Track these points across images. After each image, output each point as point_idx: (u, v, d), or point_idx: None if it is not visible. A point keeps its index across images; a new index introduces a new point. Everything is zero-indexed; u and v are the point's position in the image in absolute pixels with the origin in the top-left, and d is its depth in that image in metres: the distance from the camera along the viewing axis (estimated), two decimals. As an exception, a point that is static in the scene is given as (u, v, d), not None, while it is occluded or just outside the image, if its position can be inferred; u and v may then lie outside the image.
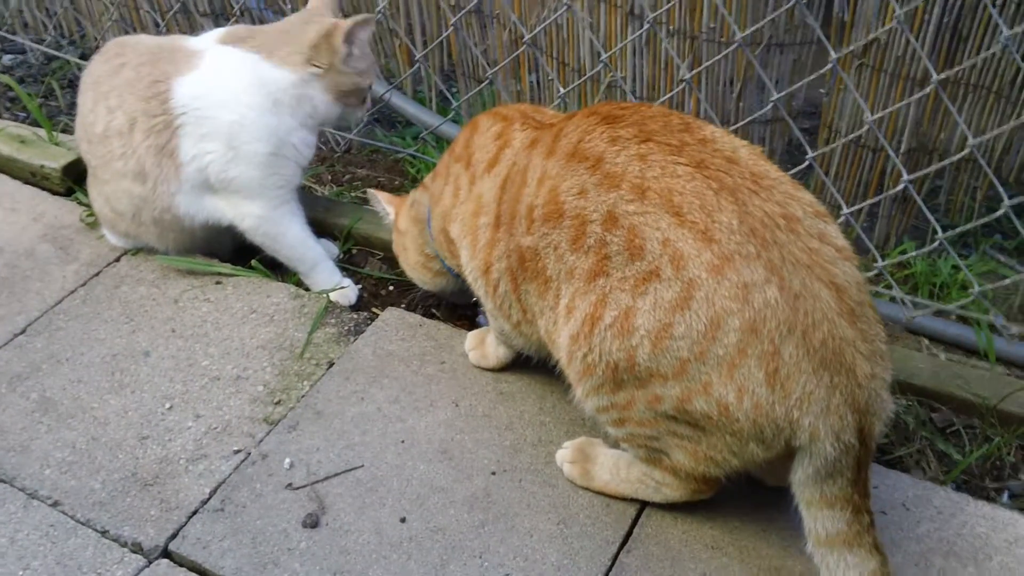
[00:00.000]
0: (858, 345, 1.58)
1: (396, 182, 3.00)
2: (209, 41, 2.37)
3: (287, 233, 2.44)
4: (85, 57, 3.45)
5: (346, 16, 2.36)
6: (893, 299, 2.42)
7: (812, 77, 2.39)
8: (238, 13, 3.13)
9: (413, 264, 2.34)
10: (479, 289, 2.05)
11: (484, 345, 2.23)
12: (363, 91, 2.43)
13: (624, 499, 1.93)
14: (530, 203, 1.82)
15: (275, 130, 2.32)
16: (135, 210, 2.39)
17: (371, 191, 2.42)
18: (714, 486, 1.83)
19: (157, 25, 3.26)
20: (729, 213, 1.59)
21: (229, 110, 2.29)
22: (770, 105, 2.36)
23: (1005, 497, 2.04)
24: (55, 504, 1.94)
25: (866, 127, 2.35)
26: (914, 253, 2.47)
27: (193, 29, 3.26)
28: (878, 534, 1.64)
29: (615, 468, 1.93)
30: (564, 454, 2.00)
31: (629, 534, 1.89)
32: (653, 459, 1.83)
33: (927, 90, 2.19)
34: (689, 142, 1.70)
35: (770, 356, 1.54)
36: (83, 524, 1.91)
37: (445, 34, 2.96)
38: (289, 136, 2.35)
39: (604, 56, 2.52)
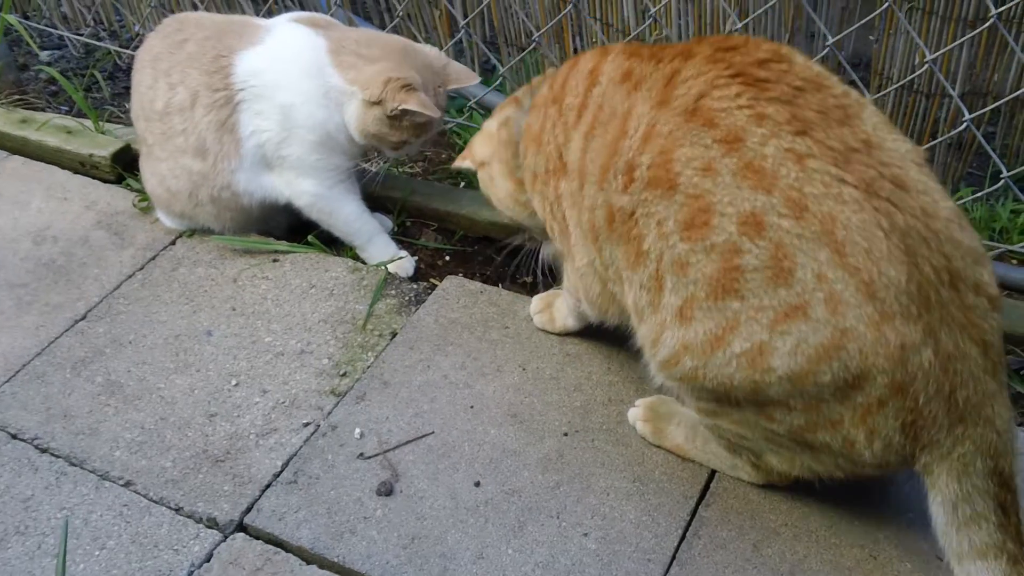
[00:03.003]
0: (998, 398, 1.52)
1: (443, 155, 2.98)
2: (282, 19, 2.37)
3: (343, 209, 2.43)
4: (125, 47, 3.46)
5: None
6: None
7: (864, 21, 2.35)
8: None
9: (503, 196, 2.12)
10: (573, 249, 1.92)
11: (552, 309, 2.20)
12: (385, 143, 2.34)
13: (696, 463, 1.92)
14: (631, 160, 1.64)
15: (323, 122, 2.30)
16: (193, 188, 2.38)
17: (455, 165, 2.29)
18: (791, 480, 1.78)
19: (196, 8, 3.25)
20: (898, 267, 1.44)
21: (284, 91, 2.27)
22: (824, 51, 2.33)
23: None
24: (127, 484, 1.94)
25: (924, 67, 2.30)
26: (974, 196, 2.43)
27: (232, 11, 3.24)
28: None
29: (691, 435, 1.90)
30: (636, 412, 1.98)
31: (707, 488, 1.87)
32: (735, 450, 1.80)
33: (985, 25, 2.16)
34: (854, 146, 1.51)
35: (910, 411, 1.48)
36: (156, 502, 1.91)
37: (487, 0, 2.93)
38: (338, 132, 2.32)
39: (652, 10, 2.49)
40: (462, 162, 2.23)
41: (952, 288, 1.48)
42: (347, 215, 2.44)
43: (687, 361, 1.59)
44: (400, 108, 2.21)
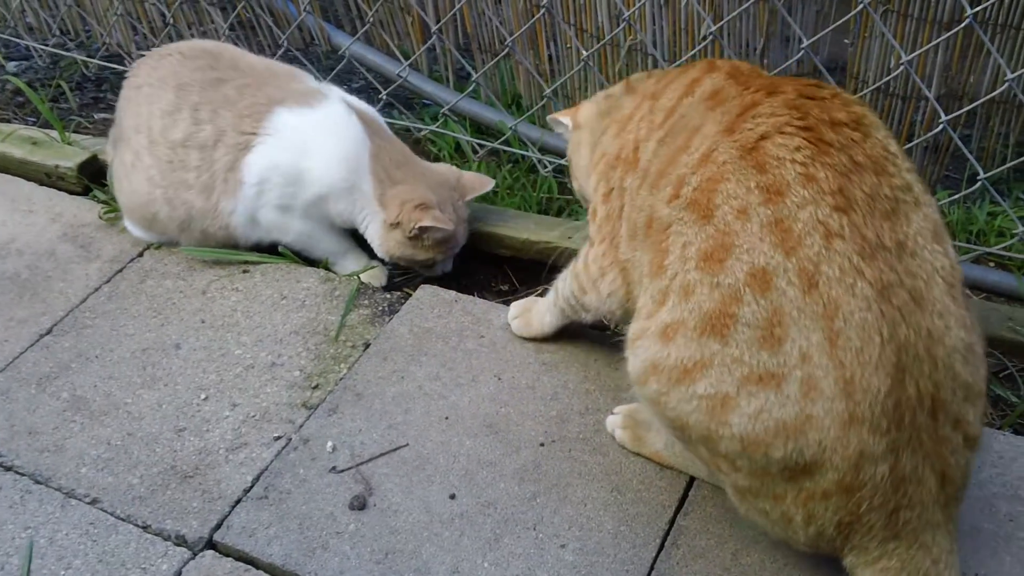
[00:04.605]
0: (939, 530, 1.50)
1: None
2: (338, 96, 2.37)
3: (324, 238, 2.43)
4: (92, 57, 3.42)
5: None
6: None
7: (839, 23, 2.34)
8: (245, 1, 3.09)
9: (582, 165, 2.07)
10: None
11: (529, 313, 2.17)
12: (414, 263, 2.39)
13: (675, 470, 1.90)
14: (683, 175, 1.59)
15: (326, 199, 2.32)
16: (188, 219, 2.37)
17: (550, 116, 2.19)
18: None
19: (163, 16, 3.21)
20: (882, 378, 1.40)
21: (309, 157, 2.28)
22: (799, 55, 2.31)
23: (1067, 439, 1.99)
24: (94, 502, 1.90)
25: (900, 69, 2.29)
26: (951, 198, 2.42)
27: (200, 19, 3.21)
28: None
29: (670, 441, 1.86)
30: (615, 420, 1.95)
31: (685, 497, 1.85)
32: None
33: (961, 26, 2.15)
34: (887, 245, 1.44)
35: (851, 513, 1.46)
36: (123, 520, 1.86)
37: (460, 4, 2.90)
38: (339, 215, 2.35)
39: (626, 14, 2.46)
40: (563, 116, 2.15)
41: (931, 416, 1.44)
42: (327, 246, 2.44)
43: (653, 383, 1.56)
44: (418, 227, 2.25)
